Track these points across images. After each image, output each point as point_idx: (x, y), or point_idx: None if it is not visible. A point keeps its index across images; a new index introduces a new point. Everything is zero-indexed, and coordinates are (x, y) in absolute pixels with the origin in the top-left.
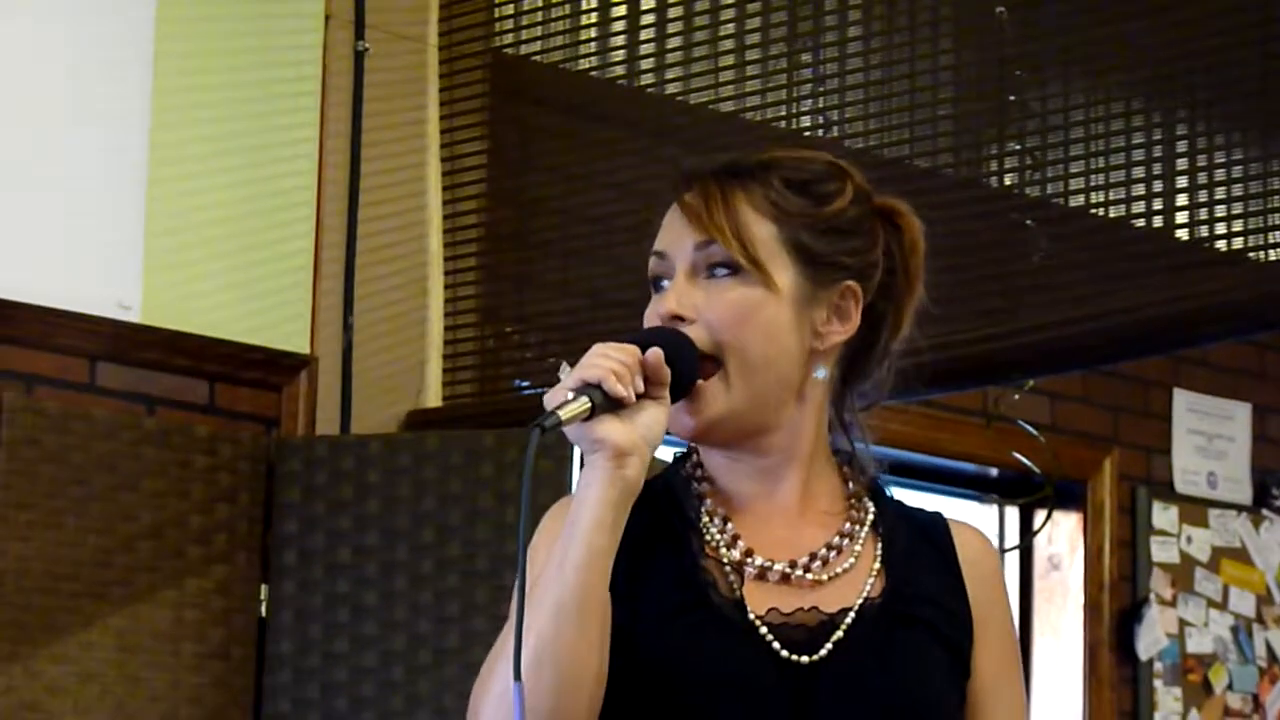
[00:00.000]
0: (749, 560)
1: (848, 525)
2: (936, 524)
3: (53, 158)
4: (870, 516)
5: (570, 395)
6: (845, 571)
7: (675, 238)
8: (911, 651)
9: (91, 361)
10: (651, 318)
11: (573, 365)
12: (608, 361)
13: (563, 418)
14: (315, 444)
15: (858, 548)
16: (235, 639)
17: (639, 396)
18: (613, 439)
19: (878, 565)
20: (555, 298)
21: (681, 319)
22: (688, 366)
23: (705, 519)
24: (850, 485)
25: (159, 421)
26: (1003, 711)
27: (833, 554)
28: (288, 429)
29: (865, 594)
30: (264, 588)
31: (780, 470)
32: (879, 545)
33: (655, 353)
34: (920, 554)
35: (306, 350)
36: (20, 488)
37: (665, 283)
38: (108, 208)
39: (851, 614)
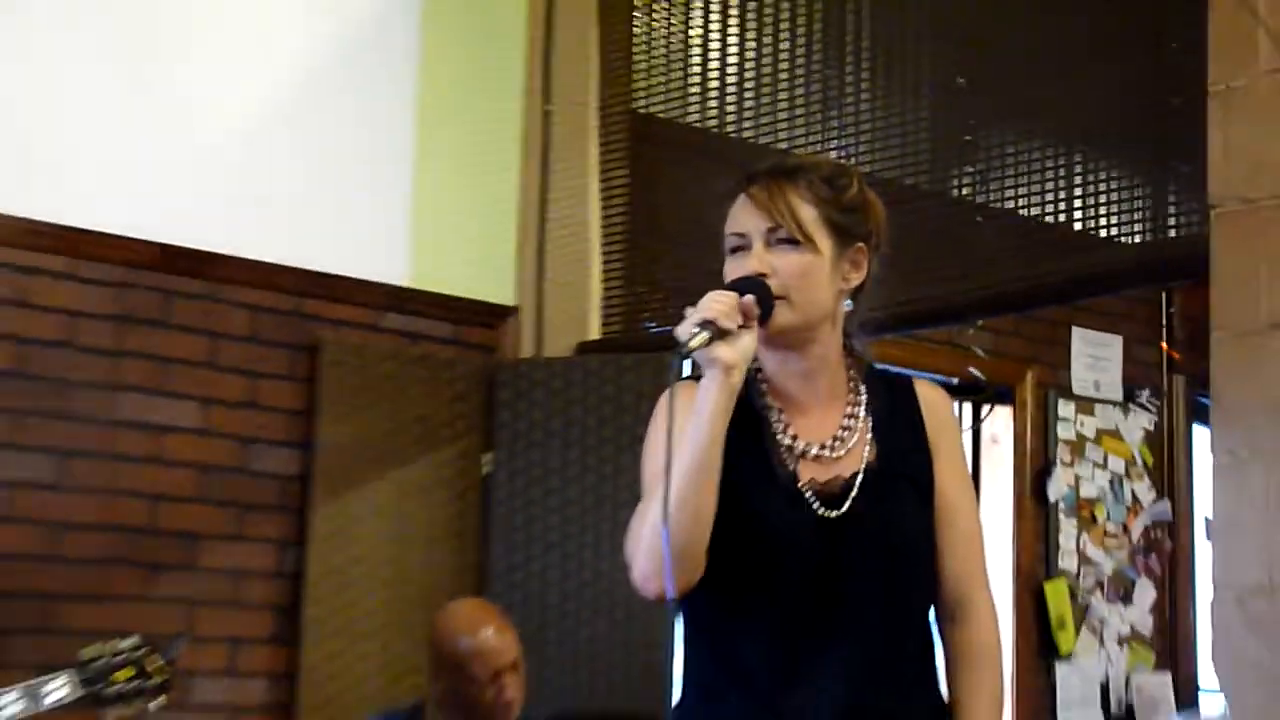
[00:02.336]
0: (796, 443)
1: (851, 409)
2: (906, 386)
3: (339, 160)
4: (864, 399)
5: (695, 330)
6: (853, 445)
7: (751, 221)
8: (899, 498)
9: (377, 311)
10: (735, 272)
11: (693, 309)
12: (719, 305)
13: (693, 347)
14: (519, 364)
15: (859, 425)
16: (470, 489)
17: (740, 327)
18: (724, 358)
19: (870, 437)
20: (672, 268)
21: (764, 275)
22: (768, 304)
23: (768, 413)
24: (852, 375)
25: (420, 350)
26: (962, 515)
27: (845, 433)
28: (501, 354)
29: (865, 461)
30: (487, 455)
31: (816, 371)
32: (871, 421)
33: (749, 298)
34: (896, 416)
35: (513, 302)
36: (334, 391)
37: (742, 251)
38: (388, 204)
39: (859, 477)
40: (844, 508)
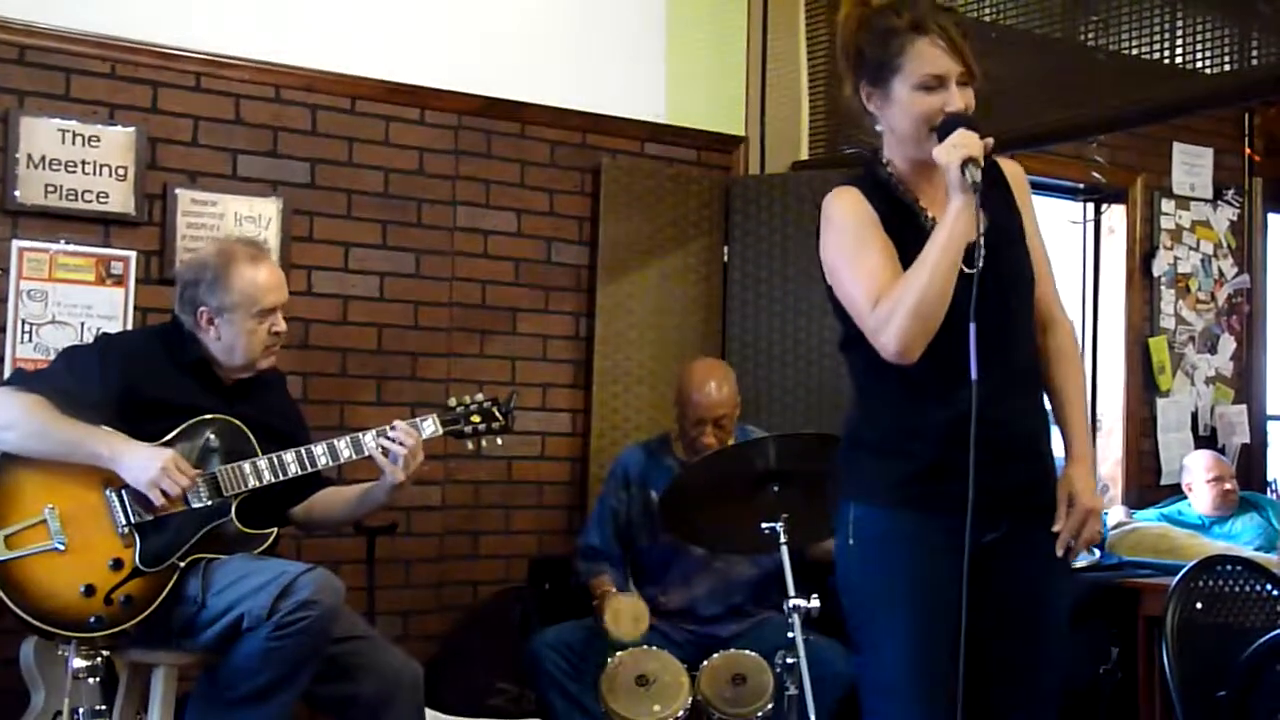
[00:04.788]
0: (932, 220)
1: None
2: (992, 164)
3: (613, 24)
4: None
5: (967, 167)
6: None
7: (947, 64)
8: (1014, 251)
9: (641, 143)
10: (940, 107)
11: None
12: (975, 144)
13: (978, 181)
14: (748, 179)
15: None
16: (713, 274)
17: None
18: (977, 181)
19: (979, 206)
20: None
21: (966, 109)
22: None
23: (910, 202)
24: None
25: (675, 170)
26: (1042, 259)
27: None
28: (734, 172)
29: (982, 226)
30: (725, 247)
31: (939, 171)
32: (978, 197)
33: (989, 140)
34: (994, 189)
35: (743, 132)
36: (611, 202)
37: (938, 90)
38: (649, 60)
39: (982, 240)
40: (978, 264)
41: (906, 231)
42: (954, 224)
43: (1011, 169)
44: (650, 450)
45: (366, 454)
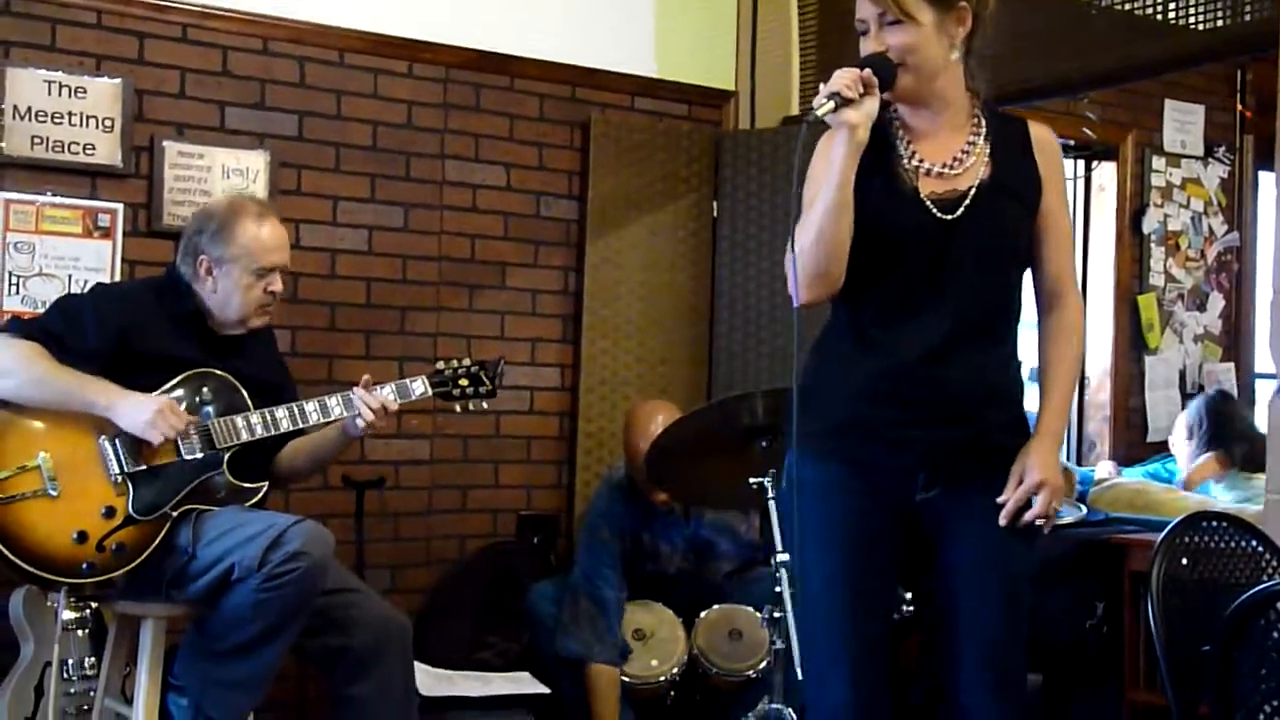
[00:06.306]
0: (920, 164)
1: (972, 136)
2: (1021, 124)
3: None
4: (984, 128)
5: (823, 101)
6: (970, 165)
7: (867, 9)
8: (1004, 207)
9: (631, 97)
10: (862, 52)
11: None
12: (842, 79)
13: (819, 114)
14: (737, 134)
15: (977, 149)
16: (702, 228)
17: (861, 95)
18: (849, 119)
19: (987, 158)
20: (854, 56)
21: (882, 52)
22: (888, 72)
23: (898, 143)
24: (976, 109)
25: (665, 125)
26: (1059, 230)
27: (964, 156)
28: (724, 126)
29: (980, 177)
30: (714, 202)
31: (939, 110)
32: (989, 145)
33: (867, 71)
34: (1010, 145)
35: (733, 87)
36: (601, 156)
37: (865, 35)
38: (639, 14)
39: (973, 190)
40: (957, 213)
41: (878, 168)
42: (834, 162)
43: (1040, 134)
44: (624, 490)
45: (357, 412)
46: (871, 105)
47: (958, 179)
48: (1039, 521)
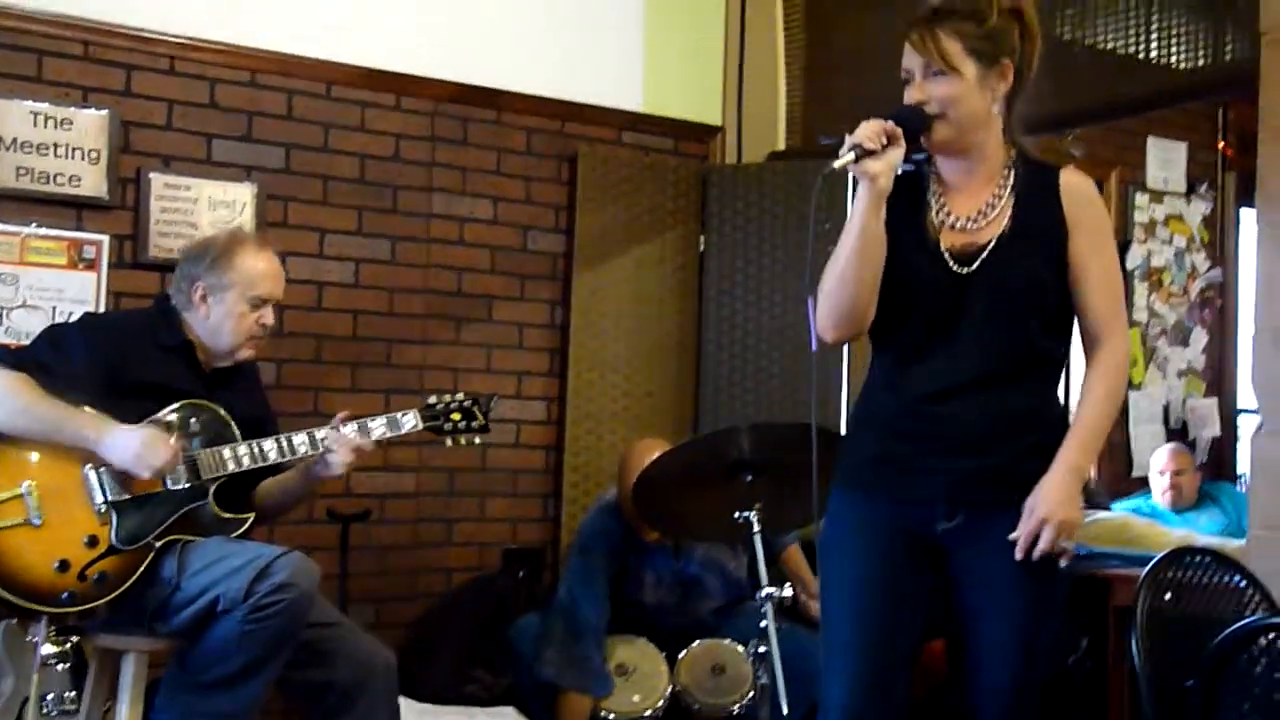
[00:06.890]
0: (947, 218)
1: (999, 190)
2: (1052, 172)
3: (590, 15)
4: (1013, 179)
5: (844, 152)
6: (994, 218)
7: (912, 60)
8: (1023, 257)
9: (618, 131)
10: (906, 99)
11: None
12: (864, 131)
13: (835, 167)
14: (724, 169)
15: (1002, 203)
16: (689, 262)
17: (885, 146)
18: (870, 169)
19: (1010, 210)
20: (839, 92)
21: (924, 102)
22: (917, 124)
23: (931, 196)
24: (1011, 161)
25: (652, 159)
26: (1094, 275)
27: (989, 209)
28: (711, 161)
29: (1001, 230)
30: (701, 236)
31: (976, 161)
32: (1014, 196)
33: (890, 123)
34: (1036, 195)
35: (719, 122)
36: (588, 190)
37: (909, 85)
38: (627, 51)
39: (992, 243)
40: (973, 266)
41: (909, 220)
42: (855, 210)
43: (1070, 179)
44: (617, 513)
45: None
46: (895, 155)
47: (980, 232)
48: (1055, 553)
